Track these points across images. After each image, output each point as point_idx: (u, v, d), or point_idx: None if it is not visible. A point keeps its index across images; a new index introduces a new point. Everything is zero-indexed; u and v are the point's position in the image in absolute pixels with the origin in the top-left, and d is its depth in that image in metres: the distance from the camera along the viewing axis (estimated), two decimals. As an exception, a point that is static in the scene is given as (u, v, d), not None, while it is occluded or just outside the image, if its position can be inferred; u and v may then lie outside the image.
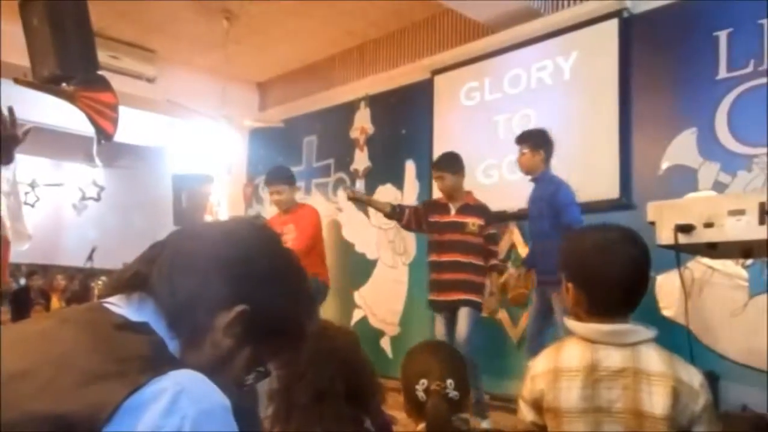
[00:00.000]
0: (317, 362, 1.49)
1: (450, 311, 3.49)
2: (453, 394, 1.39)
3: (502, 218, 3.92)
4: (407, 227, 3.79)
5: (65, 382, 0.66)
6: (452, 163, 3.60)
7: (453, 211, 3.55)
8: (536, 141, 3.27)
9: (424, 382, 1.41)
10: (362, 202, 4.04)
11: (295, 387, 1.49)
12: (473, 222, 3.51)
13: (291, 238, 3.84)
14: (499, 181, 4.08)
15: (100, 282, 6.46)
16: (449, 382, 1.40)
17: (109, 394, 0.64)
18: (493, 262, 3.56)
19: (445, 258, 3.48)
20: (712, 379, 2.78)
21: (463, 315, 3.41)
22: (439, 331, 3.52)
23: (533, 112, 3.98)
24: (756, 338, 2.86)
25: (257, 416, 1.55)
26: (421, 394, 1.40)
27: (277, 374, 1.46)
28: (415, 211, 3.75)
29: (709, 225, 1.59)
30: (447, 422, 1.36)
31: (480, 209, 3.58)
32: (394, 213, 3.76)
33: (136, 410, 0.64)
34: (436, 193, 3.86)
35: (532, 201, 3.32)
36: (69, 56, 3.46)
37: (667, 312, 2.99)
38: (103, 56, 4.48)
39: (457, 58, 4.45)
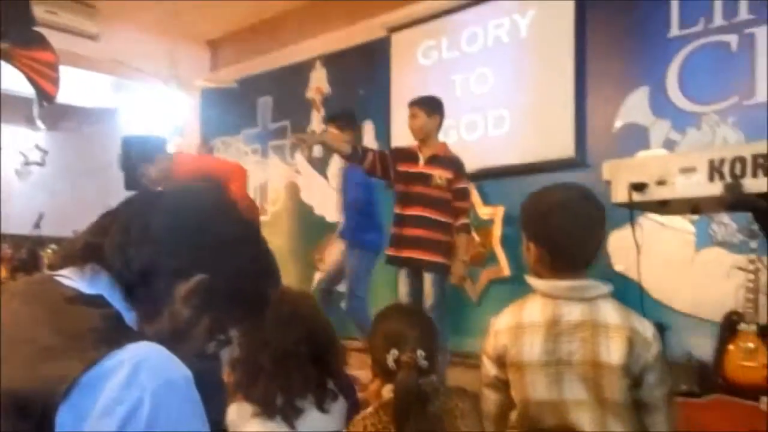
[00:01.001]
0: (279, 327, 1.49)
1: (412, 270, 3.32)
2: (423, 363, 1.41)
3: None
4: (371, 172, 3.46)
5: (17, 358, 0.64)
6: (429, 102, 3.35)
7: (421, 161, 3.31)
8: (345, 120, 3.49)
9: (395, 352, 1.41)
10: (316, 144, 3.67)
11: (258, 353, 1.49)
12: (440, 175, 3.27)
13: None
14: (457, 141, 4.08)
15: (49, 250, 6.26)
16: (420, 352, 1.41)
17: (65, 370, 0.62)
18: (463, 220, 3.31)
19: (409, 212, 3.28)
20: (660, 330, 2.92)
21: (429, 282, 3.25)
22: (403, 291, 3.35)
23: (490, 71, 3.98)
24: (702, 290, 3.01)
25: (222, 384, 1.55)
26: (391, 363, 1.41)
27: (240, 341, 1.46)
28: (382, 156, 3.44)
29: (661, 183, 1.63)
30: (416, 392, 1.38)
31: (450, 161, 3.33)
32: (356, 155, 3.43)
33: (93, 385, 0.62)
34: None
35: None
36: (1, 11, 3.25)
37: (618, 267, 3.09)
38: (39, 11, 4.22)
39: (414, 16, 4.38)
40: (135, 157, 3.51)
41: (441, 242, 3.27)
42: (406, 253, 3.28)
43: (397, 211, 3.34)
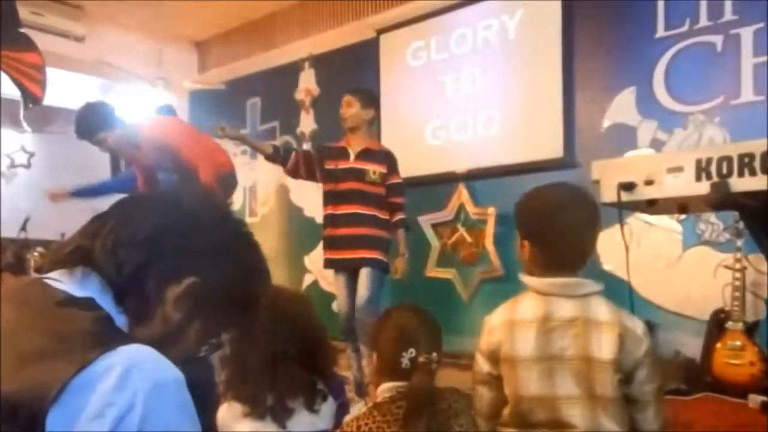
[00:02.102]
0: (271, 327, 1.49)
1: (352, 272, 3.14)
2: (434, 366, 1.43)
3: (450, 179, 3.96)
4: (293, 174, 3.33)
5: (7, 361, 0.63)
6: (365, 94, 3.25)
7: (352, 157, 3.15)
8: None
9: (412, 351, 1.42)
10: (237, 140, 3.55)
11: (248, 352, 1.49)
12: (374, 170, 3.12)
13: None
14: (447, 142, 4.09)
15: (36, 253, 6.20)
16: (434, 355, 1.43)
17: (55, 373, 0.61)
18: (400, 216, 3.18)
19: (343, 210, 3.11)
20: (649, 328, 2.94)
21: (364, 275, 3.07)
22: (342, 294, 3.20)
23: (479, 72, 3.99)
24: (689, 288, 3.03)
25: (214, 387, 1.54)
26: (406, 362, 1.41)
27: (231, 340, 1.45)
28: (306, 156, 3.29)
29: (649, 182, 1.64)
30: (431, 393, 1.39)
31: (383, 155, 3.19)
32: (277, 156, 3.29)
33: (84, 389, 0.61)
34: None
35: None
36: (-13, 13, 3.21)
37: (607, 266, 3.11)
38: (24, 12, 4.18)
39: (403, 17, 4.38)
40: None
41: (380, 239, 3.13)
42: (346, 254, 3.13)
43: (329, 211, 3.19)
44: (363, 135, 3.22)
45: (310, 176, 3.32)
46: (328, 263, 3.24)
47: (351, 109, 3.19)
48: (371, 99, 3.30)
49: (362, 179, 3.13)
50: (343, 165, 3.17)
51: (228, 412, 1.52)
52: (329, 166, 3.20)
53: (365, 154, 3.17)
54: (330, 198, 3.20)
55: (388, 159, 3.20)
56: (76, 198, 3.85)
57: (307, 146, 4.98)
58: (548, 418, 1.38)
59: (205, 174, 3.31)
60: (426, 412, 1.36)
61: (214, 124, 4.82)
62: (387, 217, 3.17)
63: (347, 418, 1.51)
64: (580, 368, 1.36)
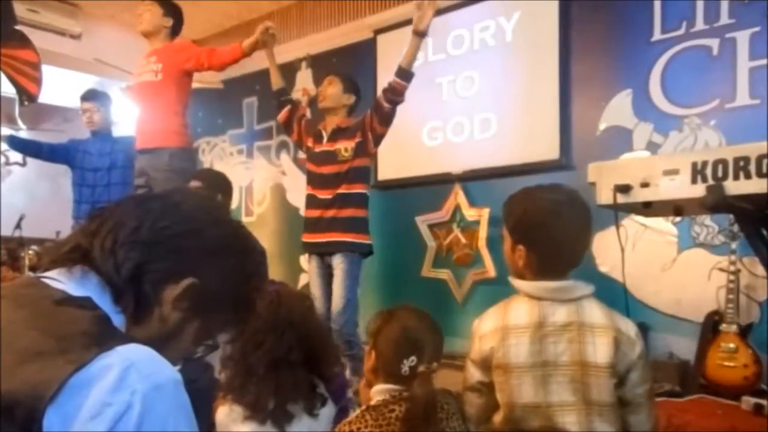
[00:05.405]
0: (275, 331, 1.48)
1: (325, 258, 3.05)
2: (433, 376, 1.41)
3: (447, 180, 3.96)
4: (283, 124, 3.32)
5: (4, 361, 0.63)
6: (350, 81, 3.19)
7: (325, 139, 3.11)
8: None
9: (413, 359, 1.39)
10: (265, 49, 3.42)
11: (251, 355, 1.48)
12: (345, 147, 3.00)
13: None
14: (443, 143, 4.10)
15: (30, 251, 6.18)
16: (435, 365, 1.41)
17: (53, 372, 0.61)
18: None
19: (323, 195, 3.04)
20: (643, 330, 2.95)
21: (339, 268, 2.92)
22: (315, 284, 3.10)
23: (476, 74, 4.00)
24: (684, 290, 3.05)
25: (212, 387, 1.53)
26: (405, 369, 1.39)
27: (233, 341, 1.45)
28: (300, 120, 3.26)
29: (645, 185, 1.64)
30: (433, 403, 1.37)
31: (354, 127, 3.04)
32: (277, 98, 3.33)
33: (82, 388, 0.61)
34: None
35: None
36: (-18, 10, 3.20)
37: (603, 268, 3.13)
38: (20, 10, 4.17)
39: (400, 18, 4.38)
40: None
41: (353, 219, 3.00)
42: (318, 237, 3.04)
43: (309, 191, 3.15)
44: (339, 118, 3.14)
45: (298, 141, 3.31)
46: (304, 246, 3.17)
47: (331, 87, 3.15)
48: (355, 86, 3.23)
49: (335, 161, 3.03)
50: (318, 148, 3.15)
51: (228, 415, 1.51)
52: (309, 144, 3.20)
53: (335, 133, 3.10)
54: (310, 179, 3.19)
55: (355, 127, 3.05)
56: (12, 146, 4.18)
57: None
58: (542, 426, 1.37)
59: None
60: (430, 423, 1.35)
61: (211, 123, 4.83)
62: (364, 191, 3.06)
63: (341, 423, 1.50)
64: (576, 374, 1.36)
